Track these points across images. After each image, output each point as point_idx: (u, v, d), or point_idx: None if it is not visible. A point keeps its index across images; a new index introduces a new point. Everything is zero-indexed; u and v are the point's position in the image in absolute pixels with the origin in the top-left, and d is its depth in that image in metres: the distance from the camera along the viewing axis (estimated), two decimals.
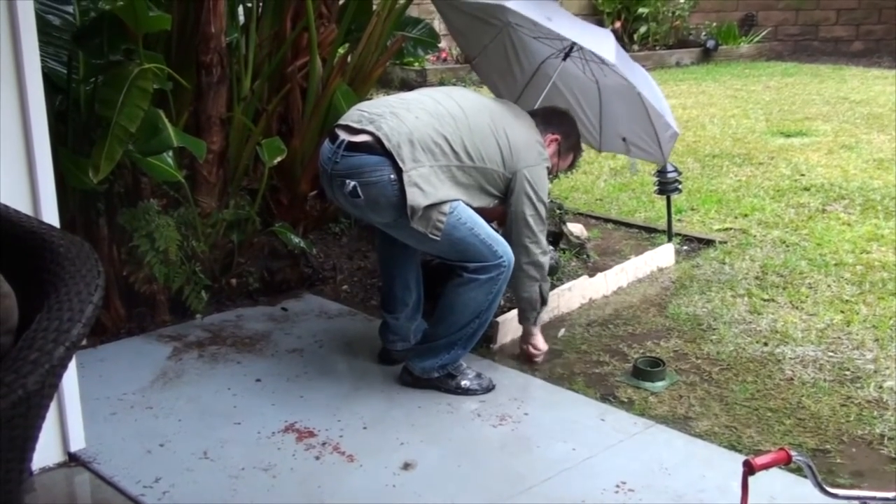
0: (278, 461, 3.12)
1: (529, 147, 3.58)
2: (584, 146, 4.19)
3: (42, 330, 1.54)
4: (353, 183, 3.27)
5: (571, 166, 4.04)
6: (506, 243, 3.47)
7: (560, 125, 3.82)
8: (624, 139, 4.49)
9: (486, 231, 3.42)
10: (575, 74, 4.40)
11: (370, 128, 3.29)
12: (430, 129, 3.33)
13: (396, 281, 3.73)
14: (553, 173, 3.90)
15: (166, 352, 3.96)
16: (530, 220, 3.54)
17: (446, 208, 3.31)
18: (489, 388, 3.58)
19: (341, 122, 3.42)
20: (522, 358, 3.86)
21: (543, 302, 3.73)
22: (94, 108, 3.74)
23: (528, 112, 3.78)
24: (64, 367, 1.56)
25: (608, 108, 4.45)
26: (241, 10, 4.68)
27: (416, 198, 3.23)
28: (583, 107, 4.48)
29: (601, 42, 3.88)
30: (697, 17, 13.16)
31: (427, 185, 3.26)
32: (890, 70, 11.48)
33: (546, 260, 3.66)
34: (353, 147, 3.28)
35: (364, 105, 3.52)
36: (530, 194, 3.53)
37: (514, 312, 4.07)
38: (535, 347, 3.80)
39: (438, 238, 3.31)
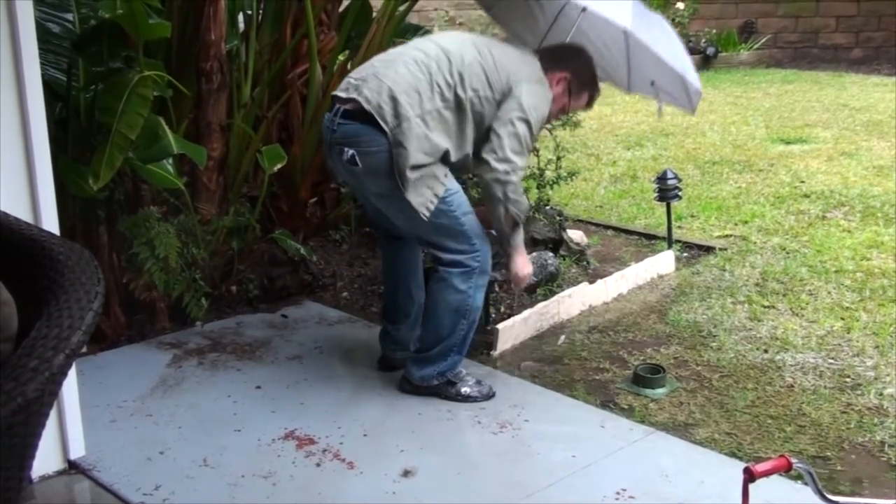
0: (278, 468, 3.11)
1: (519, 64, 3.45)
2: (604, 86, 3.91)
3: (42, 337, 1.54)
4: (351, 151, 3.30)
5: (589, 105, 3.79)
6: (486, 242, 3.45)
7: (569, 62, 3.63)
8: (653, 83, 4.36)
9: (472, 225, 3.41)
10: (599, 20, 4.21)
11: (354, 94, 3.32)
12: (411, 78, 3.31)
13: (399, 291, 3.72)
14: (566, 113, 3.79)
15: (166, 359, 3.95)
16: (504, 136, 3.35)
17: (441, 191, 3.30)
18: (489, 395, 3.57)
19: (334, 92, 3.46)
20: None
21: (515, 224, 3.47)
22: (95, 115, 3.75)
23: (533, 51, 3.65)
24: (64, 374, 1.56)
25: (635, 53, 4.29)
26: (241, 17, 4.69)
27: (398, 159, 3.23)
28: (610, 49, 4.20)
29: (616, 4, 3.64)
30: (697, 24, 13.16)
31: (411, 141, 3.22)
32: (889, 77, 11.47)
33: (513, 179, 3.36)
34: (348, 115, 3.32)
35: (353, 72, 3.52)
36: (513, 111, 3.35)
37: (514, 319, 4.08)
38: (515, 273, 3.58)
39: (426, 217, 3.30)
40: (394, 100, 3.26)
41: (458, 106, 3.34)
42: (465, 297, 3.44)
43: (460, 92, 3.34)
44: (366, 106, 3.27)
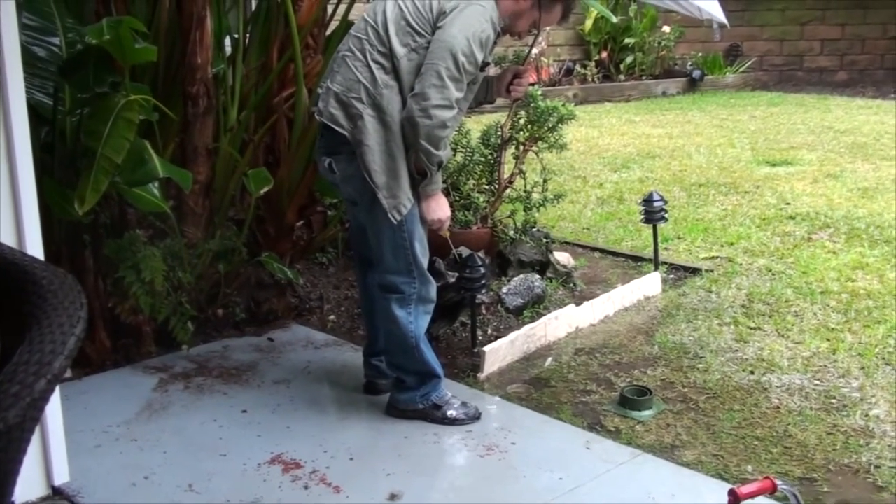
0: (265, 493, 3.10)
1: None
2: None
3: (23, 363, 1.53)
4: (328, 160, 3.38)
5: (564, 19, 3.58)
6: (426, 277, 3.43)
7: None
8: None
9: (418, 252, 3.37)
10: None
11: (316, 108, 3.40)
12: (351, 72, 3.28)
13: (381, 329, 3.70)
14: (538, 28, 3.54)
15: (152, 383, 3.94)
16: (424, 73, 3.17)
17: (409, 204, 3.28)
18: (476, 417, 3.57)
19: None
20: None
21: (424, 173, 3.29)
22: (80, 139, 3.74)
23: None
24: (46, 400, 1.55)
25: None
26: (227, 41, 4.70)
27: (363, 157, 3.22)
28: None
29: None
30: (683, 48, 13.27)
31: (370, 136, 3.20)
32: (873, 100, 11.59)
33: (429, 121, 3.15)
34: (323, 127, 3.36)
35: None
36: (435, 44, 3.18)
37: (501, 342, 4.08)
38: (422, 216, 3.37)
39: (394, 222, 3.26)
40: (342, 103, 3.27)
41: (398, 70, 3.23)
42: (406, 327, 3.42)
43: (396, 55, 3.23)
44: (318, 118, 3.34)
